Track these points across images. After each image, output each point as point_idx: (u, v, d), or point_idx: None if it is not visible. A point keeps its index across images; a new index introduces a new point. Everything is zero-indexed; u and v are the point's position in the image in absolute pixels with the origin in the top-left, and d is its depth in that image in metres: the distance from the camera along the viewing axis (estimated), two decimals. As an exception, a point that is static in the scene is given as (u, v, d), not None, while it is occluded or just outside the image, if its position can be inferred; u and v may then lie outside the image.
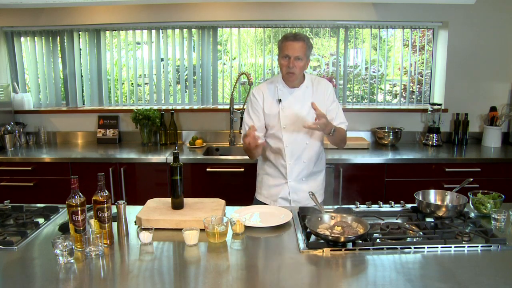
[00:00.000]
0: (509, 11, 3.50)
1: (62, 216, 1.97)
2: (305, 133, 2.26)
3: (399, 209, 2.02)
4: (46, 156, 3.21)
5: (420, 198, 1.93)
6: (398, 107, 3.79)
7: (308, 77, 2.31)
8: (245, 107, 2.32)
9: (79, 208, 1.58)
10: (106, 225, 1.65)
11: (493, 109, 3.57)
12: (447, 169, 3.06)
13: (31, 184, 3.15)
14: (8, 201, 2.10)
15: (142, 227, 1.73)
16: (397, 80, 3.91)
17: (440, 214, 1.83)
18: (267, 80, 2.38)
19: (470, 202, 1.99)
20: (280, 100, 2.26)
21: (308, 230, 1.69)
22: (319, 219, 1.78)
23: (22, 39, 3.85)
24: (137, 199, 3.11)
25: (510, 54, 3.57)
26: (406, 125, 3.64)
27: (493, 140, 3.47)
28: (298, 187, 2.32)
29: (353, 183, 3.10)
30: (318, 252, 1.59)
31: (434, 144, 3.50)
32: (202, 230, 1.70)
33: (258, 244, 1.69)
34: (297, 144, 2.28)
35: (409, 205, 2.03)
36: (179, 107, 3.75)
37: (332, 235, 1.63)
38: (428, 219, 1.87)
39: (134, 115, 3.53)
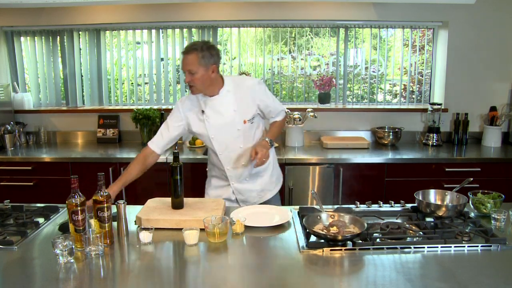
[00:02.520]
0: (509, 11, 3.50)
1: (62, 216, 1.97)
2: (235, 138, 2.20)
3: (399, 209, 2.02)
4: (46, 155, 3.21)
5: (420, 198, 1.93)
6: (398, 107, 3.79)
7: (228, 80, 2.20)
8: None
9: (79, 208, 1.58)
10: (106, 225, 1.64)
11: (493, 109, 3.57)
12: (447, 169, 3.06)
13: (31, 184, 3.15)
14: (8, 200, 2.10)
15: (142, 227, 1.73)
16: (397, 80, 3.91)
17: (440, 214, 1.83)
18: (190, 95, 2.28)
19: (470, 202, 1.99)
20: (203, 112, 2.18)
21: (308, 230, 1.69)
22: (318, 217, 1.78)
23: (22, 39, 3.85)
24: (137, 199, 3.11)
25: (510, 54, 3.57)
26: (406, 125, 3.64)
27: (493, 140, 3.47)
28: (243, 187, 2.30)
29: (353, 183, 3.10)
30: (318, 251, 1.58)
31: (434, 144, 3.50)
32: (202, 230, 1.70)
33: (258, 244, 1.69)
34: (231, 150, 2.23)
35: (409, 205, 2.03)
36: (179, 107, 3.75)
37: (329, 234, 1.63)
38: (428, 219, 1.87)
39: (134, 114, 3.53)
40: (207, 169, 2.48)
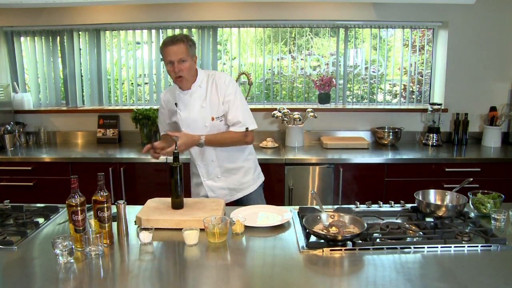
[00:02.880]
0: (509, 11, 3.50)
1: (62, 216, 1.97)
2: (204, 134, 2.19)
3: (399, 209, 2.02)
4: (46, 156, 3.21)
5: (420, 198, 1.93)
6: (398, 107, 3.79)
7: (202, 74, 2.25)
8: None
9: (79, 208, 1.58)
10: (106, 225, 1.64)
11: (493, 109, 3.57)
12: (447, 169, 3.06)
13: (31, 184, 3.15)
14: (8, 201, 2.10)
15: (142, 227, 1.73)
16: (397, 80, 3.91)
17: (440, 214, 1.83)
18: (172, 86, 2.37)
19: (470, 202, 1.99)
20: (176, 104, 2.26)
21: (308, 230, 1.69)
22: (318, 218, 1.78)
23: (22, 39, 3.85)
24: (137, 199, 3.11)
25: (510, 54, 3.57)
26: (406, 125, 3.64)
27: (493, 140, 3.47)
28: (214, 185, 2.34)
29: (353, 183, 3.10)
30: (318, 252, 1.59)
31: (434, 144, 3.50)
32: (202, 230, 1.70)
33: (258, 244, 1.69)
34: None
35: (409, 205, 2.03)
36: (179, 107, 3.75)
37: (329, 234, 1.63)
38: (428, 219, 1.87)
39: (134, 115, 3.53)
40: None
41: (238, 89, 2.26)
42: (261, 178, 2.49)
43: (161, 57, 2.26)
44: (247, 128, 2.23)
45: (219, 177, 2.33)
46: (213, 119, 2.23)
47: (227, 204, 2.12)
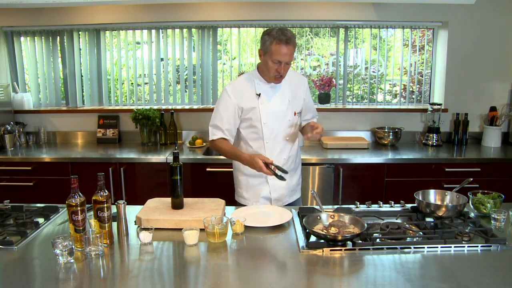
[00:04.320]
0: (509, 11, 3.50)
1: (62, 216, 1.97)
2: (285, 128, 2.21)
3: (399, 209, 2.02)
4: (46, 156, 3.21)
5: (420, 198, 1.93)
6: (398, 107, 3.79)
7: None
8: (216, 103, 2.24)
9: (79, 208, 1.58)
10: (106, 225, 1.65)
11: (493, 109, 3.57)
12: (447, 169, 3.06)
13: (31, 184, 3.15)
14: (8, 201, 2.10)
15: (142, 227, 1.73)
16: (397, 80, 3.91)
17: (440, 214, 1.83)
18: (242, 76, 2.27)
19: (470, 202, 1.99)
20: (259, 95, 2.17)
21: (308, 230, 1.69)
22: (318, 218, 1.78)
23: (22, 39, 3.85)
24: (137, 199, 3.11)
25: (510, 54, 3.57)
26: (406, 125, 3.64)
27: (493, 140, 3.47)
28: (279, 184, 2.24)
29: (353, 183, 3.10)
30: (318, 252, 1.59)
31: (434, 144, 3.50)
32: (202, 230, 1.70)
33: (258, 244, 1.69)
34: (278, 140, 2.22)
35: (409, 205, 2.03)
36: (179, 107, 3.76)
37: (329, 234, 1.63)
38: (428, 219, 1.87)
39: (134, 115, 3.53)
40: (233, 170, 2.39)
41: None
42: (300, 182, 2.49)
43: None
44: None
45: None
46: (295, 114, 2.23)
47: (242, 205, 2.11)
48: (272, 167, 2.00)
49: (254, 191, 2.28)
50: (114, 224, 1.74)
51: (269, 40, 2.04)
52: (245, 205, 2.26)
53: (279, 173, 1.99)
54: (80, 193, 1.60)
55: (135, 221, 1.86)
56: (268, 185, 2.26)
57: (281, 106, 2.20)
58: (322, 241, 1.63)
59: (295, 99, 2.24)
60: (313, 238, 1.67)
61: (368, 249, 1.59)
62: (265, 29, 2.17)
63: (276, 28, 2.05)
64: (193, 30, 3.75)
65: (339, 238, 1.60)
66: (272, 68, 2.08)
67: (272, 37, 2.02)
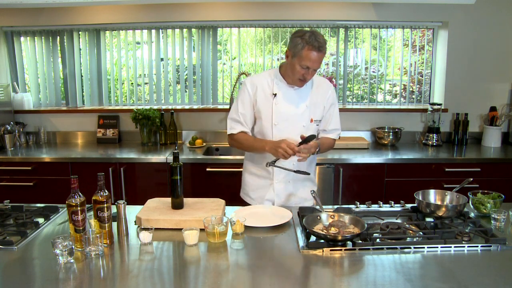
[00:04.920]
0: (509, 11, 3.50)
1: (62, 216, 1.97)
2: (298, 133, 2.07)
3: (399, 209, 2.02)
4: (46, 156, 3.21)
5: (420, 198, 1.93)
6: (398, 107, 3.79)
7: None
8: (236, 96, 2.18)
9: (79, 208, 1.58)
10: (106, 225, 1.64)
11: (493, 109, 3.57)
12: (447, 169, 3.06)
13: (31, 184, 3.15)
14: (8, 201, 2.10)
15: (142, 227, 1.73)
16: (397, 80, 3.91)
17: (440, 214, 1.83)
18: (263, 72, 2.21)
19: (470, 202, 1.99)
20: (275, 95, 2.12)
21: (308, 230, 1.69)
22: (318, 218, 1.78)
23: (22, 39, 3.85)
24: (137, 199, 3.11)
25: (510, 54, 3.57)
26: (406, 125, 3.64)
27: (493, 140, 3.47)
28: (285, 188, 2.20)
29: (353, 183, 3.10)
30: (318, 252, 1.59)
31: (434, 144, 3.50)
32: (202, 230, 1.70)
33: (258, 244, 1.69)
34: None
35: (409, 205, 2.03)
36: (179, 107, 3.76)
37: (329, 234, 1.63)
38: (428, 219, 1.87)
39: (134, 115, 3.53)
40: (243, 168, 2.37)
41: (336, 95, 2.24)
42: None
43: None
44: (339, 136, 2.27)
45: (290, 181, 2.20)
46: (312, 120, 2.16)
47: (237, 205, 2.11)
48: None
49: (259, 192, 2.25)
50: (114, 224, 1.74)
51: (301, 44, 1.96)
52: (249, 204, 2.25)
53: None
54: (80, 193, 1.60)
55: (135, 221, 1.86)
56: (273, 189, 2.22)
57: (296, 110, 2.13)
58: (322, 241, 1.63)
59: (314, 105, 2.16)
60: (313, 238, 1.67)
61: (368, 249, 1.59)
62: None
63: (309, 32, 1.97)
64: (193, 30, 3.75)
65: (339, 238, 1.60)
66: (298, 72, 2.02)
67: (305, 41, 1.95)
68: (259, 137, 2.20)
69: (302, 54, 1.96)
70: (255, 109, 2.16)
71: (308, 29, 2.05)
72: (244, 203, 2.30)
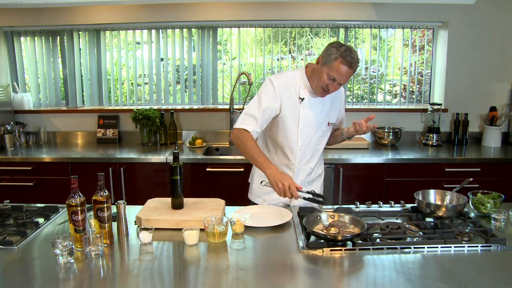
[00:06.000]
0: (509, 11, 3.50)
1: (62, 216, 1.97)
2: (319, 137, 2.16)
3: (399, 209, 2.02)
4: (46, 156, 3.21)
5: (420, 198, 1.93)
6: (398, 107, 3.79)
7: None
8: (259, 92, 2.09)
9: (79, 208, 1.58)
10: (106, 225, 1.64)
11: (493, 109, 3.57)
12: (447, 169, 3.07)
13: (31, 184, 3.15)
14: (8, 201, 2.09)
15: (142, 227, 1.73)
16: (397, 80, 3.91)
17: (440, 214, 1.83)
18: (288, 73, 2.15)
19: (470, 202, 1.99)
20: (302, 99, 2.09)
21: (308, 230, 1.69)
22: (318, 218, 1.78)
23: (22, 39, 3.85)
24: (137, 199, 3.11)
25: (510, 54, 3.57)
26: (406, 125, 3.64)
27: (493, 140, 3.47)
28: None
29: (353, 183, 3.10)
30: (318, 252, 1.58)
31: (434, 144, 3.50)
32: (202, 230, 1.70)
33: (258, 244, 1.69)
34: (310, 147, 2.17)
35: (409, 205, 2.03)
36: (179, 107, 3.76)
37: (329, 234, 1.63)
38: (428, 219, 1.87)
39: (134, 115, 3.53)
40: (253, 171, 2.35)
41: None
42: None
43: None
44: None
45: (306, 184, 2.22)
46: (329, 124, 2.20)
47: (237, 205, 2.11)
48: (305, 191, 1.92)
49: (275, 195, 2.17)
50: (114, 224, 1.74)
51: (335, 55, 1.94)
52: (256, 203, 2.26)
53: (308, 195, 1.91)
54: (80, 193, 1.60)
55: (135, 221, 1.86)
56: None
57: (320, 114, 2.14)
58: (322, 241, 1.63)
59: (332, 109, 2.21)
60: (313, 238, 1.67)
61: (368, 249, 1.59)
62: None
63: (346, 46, 1.96)
64: (193, 30, 3.76)
65: (339, 238, 1.60)
66: (324, 82, 2.00)
67: (340, 53, 1.93)
68: (282, 140, 2.14)
69: (333, 64, 1.95)
70: (280, 110, 2.08)
71: (342, 43, 2.02)
72: (244, 204, 2.30)
